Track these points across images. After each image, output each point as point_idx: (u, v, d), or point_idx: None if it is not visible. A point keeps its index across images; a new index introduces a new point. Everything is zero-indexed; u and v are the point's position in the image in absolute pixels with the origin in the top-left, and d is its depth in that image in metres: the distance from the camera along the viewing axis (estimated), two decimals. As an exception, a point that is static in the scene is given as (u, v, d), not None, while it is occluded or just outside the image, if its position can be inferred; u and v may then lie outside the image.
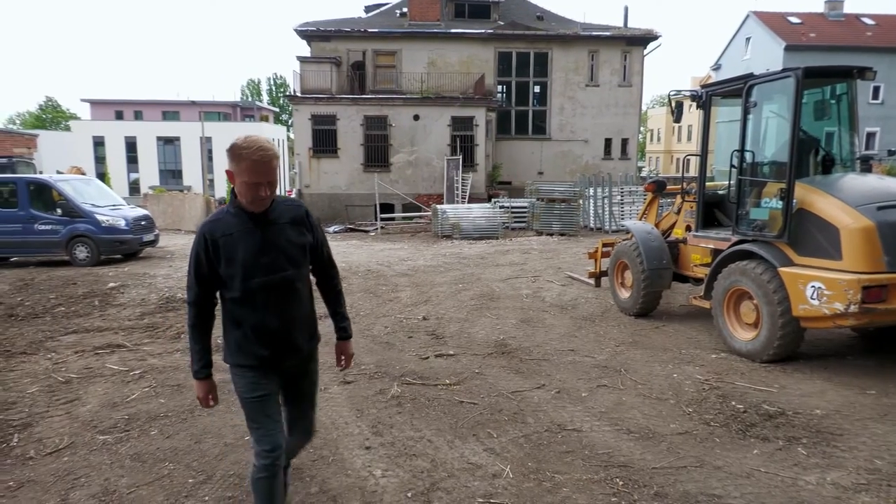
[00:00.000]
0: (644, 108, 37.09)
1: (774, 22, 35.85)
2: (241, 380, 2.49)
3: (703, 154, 6.56)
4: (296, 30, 25.58)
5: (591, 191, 19.48)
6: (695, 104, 6.56)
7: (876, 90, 34.01)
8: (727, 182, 7.26)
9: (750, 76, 5.75)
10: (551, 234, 17.47)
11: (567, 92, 26.92)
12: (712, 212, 6.94)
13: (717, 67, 41.40)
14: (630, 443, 3.78)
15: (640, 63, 27.31)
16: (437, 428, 4.04)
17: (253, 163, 2.27)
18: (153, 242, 14.50)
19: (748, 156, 5.82)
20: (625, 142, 27.66)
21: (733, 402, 4.44)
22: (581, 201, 19.35)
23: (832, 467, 3.42)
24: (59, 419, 4.32)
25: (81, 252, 13.04)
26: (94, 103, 54.07)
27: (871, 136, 33.96)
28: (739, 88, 5.91)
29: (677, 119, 6.51)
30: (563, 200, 18.33)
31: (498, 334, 6.69)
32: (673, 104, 6.49)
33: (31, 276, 11.45)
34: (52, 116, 67.32)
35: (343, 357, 2.85)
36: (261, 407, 2.47)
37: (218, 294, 2.50)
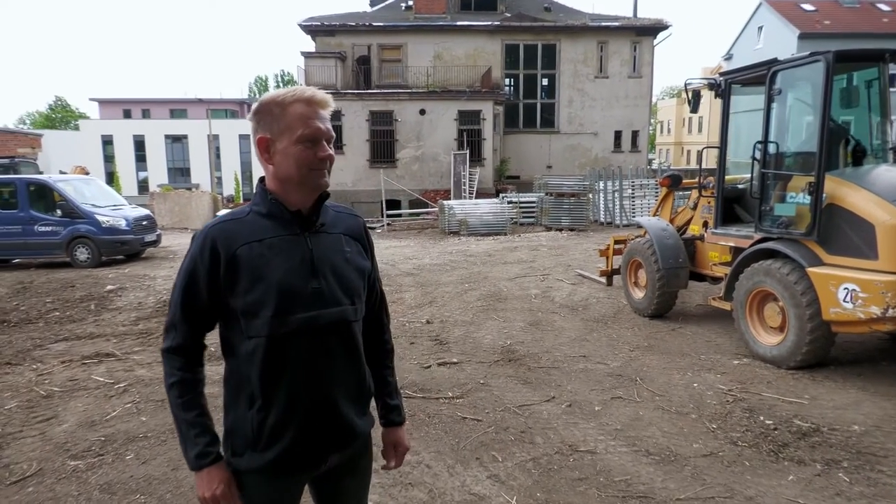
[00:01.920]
0: (654, 99, 36.47)
1: (787, 10, 35.03)
2: (257, 495, 1.59)
3: (723, 146, 6.15)
4: (300, 25, 25.24)
5: (601, 185, 19.04)
6: (713, 93, 6.14)
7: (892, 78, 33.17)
8: (746, 175, 6.91)
9: (774, 61, 5.34)
10: (560, 230, 17.06)
11: (576, 84, 26.39)
12: (732, 207, 6.54)
13: (728, 57, 40.61)
14: (650, 467, 3.42)
15: (651, 54, 26.73)
16: (436, 450, 3.70)
17: (307, 105, 1.52)
18: (155, 243, 14.28)
19: (772, 147, 5.42)
20: (635, 134, 27.11)
21: (761, 417, 4.06)
22: (591, 196, 18.92)
23: (880, 497, 3.04)
24: (32, 441, 4.02)
25: (82, 253, 12.83)
26: (103, 102, 54.17)
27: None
28: (762, 75, 5.50)
29: (694, 109, 6.12)
30: (573, 195, 17.90)
31: (505, 339, 6.33)
32: (690, 93, 6.09)
33: (30, 279, 11.24)
34: (61, 116, 67.58)
35: (396, 450, 1.88)
36: None
37: (214, 341, 1.62)
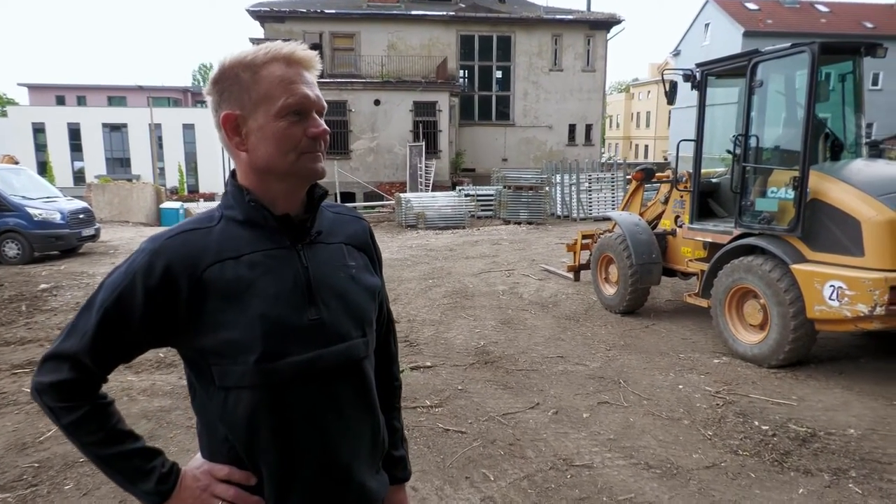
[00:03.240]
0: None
1: (733, 8, 36.01)
2: None
3: (699, 139, 6.01)
4: (248, 10, 24.26)
5: (559, 178, 19.01)
6: (689, 84, 5.99)
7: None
8: (719, 170, 6.83)
9: (755, 52, 5.21)
10: (519, 223, 16.93)
11: (531, 77, 26.33)
12: (705, 202, 6.43)
13: (676, 53, 41.50)
14: (653, 482, 3.19)
15: (604, 48, 26.92)
16: (421, 469, 3.37)
17: (286, 64, 1.13)
18: (94, 237, 13.37)
19: (752, 141, 5.29)
20: (589, 128, 27.28)
21: (756, 422, 3.91)
22: (548, 189, 18.87)
23: (895, 509, 2.91)
24: (-49, 470, 3.49)
25: (11, 249, 11.86)
26: (33, 88, 51.16)
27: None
28: (742, 67, 5.37)
29: (671, 101, 5.95)
30: (531, 188, 17.79)
31: (477, 339, 6.05)
32: (667, 84, 5.91)
33: (-49, 278, 10.28)
34: (-13, 102, 63.48)
35: None
36: None
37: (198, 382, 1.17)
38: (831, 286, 4.48)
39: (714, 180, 6.46)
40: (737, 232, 5.45)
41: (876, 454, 3.45)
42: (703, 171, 6.44)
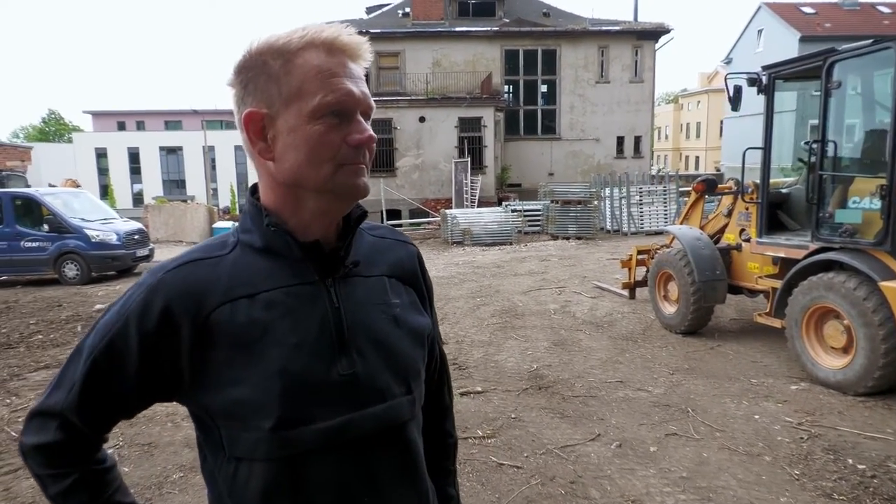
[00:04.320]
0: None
1: (787, 13, 34.78)
2: None
3: (767, 147, 5.60)
4: (295, 32, 24.75)
5: (608, 191, 18.51)
6: (755, 88, 5.59)
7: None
8: (787, 179, 6.37)
9: (831, 51, 4.80)
10: (567, 238, 16.50)
11: (577, 89, 25.94)
12: (774, 214, 5.98)
13: (728, 61, 40.34)
14: (737, 531, 2.84)
15: (652, 58, 26.32)
16: (475, 510, 3.11)
17: (327, 53, 0.90)
18: (148, 257, 13.70)
19: (830, 147, 4.87)
20: (637, 139, 26.65)
21: (849, 460, 3.49)
22: (597, 202, 18.39)
23: None
24: (-7, 500, 3.42)
25: (71, 270, 12.23)
26: (97, 115, 53.65)
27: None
28: (815, 68, 4.96)
29: (735, 106, 5.56)
30: (580, 202, 17.36)
31: (530, 362, 5.75)
32: (731, 89, 5.54)
33: (14, 298, 10.61)
34: (55, 129, 66.91)
35: None
36: None
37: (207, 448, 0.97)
38: (929, 306, 4.02)
39: (784, 191, 6.01)
40: (813, 246, 5.01)
41: None
42: (773, 180, 6.02)
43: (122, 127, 51.37)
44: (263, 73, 0.90)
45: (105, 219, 13.41)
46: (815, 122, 5.08)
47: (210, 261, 0.93)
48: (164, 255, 16.26)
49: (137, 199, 41.95)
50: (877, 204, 4.43)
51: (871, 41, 4.53)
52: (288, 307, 0.91)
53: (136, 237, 13.29)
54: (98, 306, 9.49)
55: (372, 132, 0.94)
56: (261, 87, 0.91)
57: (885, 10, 35.62)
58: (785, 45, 32.53)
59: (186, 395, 0.92)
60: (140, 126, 51.73)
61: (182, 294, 0.88)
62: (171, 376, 0.89)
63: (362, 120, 0.93)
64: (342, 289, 0.95)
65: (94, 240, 12.30)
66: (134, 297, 0.90)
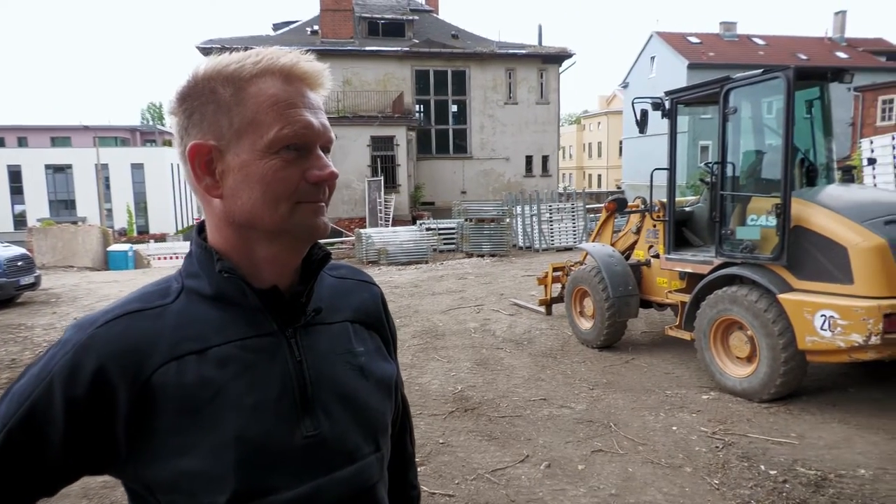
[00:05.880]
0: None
1: (676, 42, 37.42)
2: None
3: (672, 168, 5.91)
4: (198, 47, 23.83)
5: (519, 209, 18.98)
6: (659, 113, 5.90)
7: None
8: (691, 198, 6.75)
9: (727, 79, 5.14)
10: (482, 256, 16.74)
11: (486, 110, 26.58)
12: (679, 231, 6.30)
13: (625, 85, 42.75)
14: (668, 547, 2.88)
15: (556, 81, 27.47)
16: (409, 545, 2.98)
17: (284, 80, 0.82)
18: (33, 285, 12.49)
19: (729, 168, 5.19)
20: (545, 159, 27.63)
21: (762, 466, 3.66)
22: (509, 220, 18.80)
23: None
24: None
25: (-60, 301, 10.97)
26: (-30, 130, 49.00)
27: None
28: (714, 94, 5.30)
29: (642, 129, 5.83)
30: (493, 220, 17.68)
31: (454, 383, 5.69)
32: (638, 113, 5.80)
33: None
34: (-81, 145, 60.50)
35: None
36: None
37: None
38: (822, 316, 4.33)
39: (688, 209, 6.35)
40: (718, 262, 5.31)
41: (895, 496, 3.23)
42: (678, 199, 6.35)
43: (0, 143, 47.24)
44: (212, 101, 0.81)
45: (-18, 244, 12.17)
46: (705, 143, 5.43)
47: (150, 312, 0.80)
48: (53, 283, 14.96)
49: (19, 221, 38.63)
50: (772, 221, 4.75)
51: (762, 71, 4.89)
52: (244, 363, 0.80)
53: (19, 264, 12.10)
54: (-26, 342, 8.54)
55: (333, 168, 0.85)
56: (208, 117, 0.81)
57: (760, 41, 39.14)
58: (675, 71, 34.94)
59: (122, 468, 0.79)
60: (22, 142, 47.75)
61: (118, 353, 0.76)
62: (103, 447, 0.77)
63: (322, 154, 0.85)
64: (304, 340, 0.86)
65: (-32, 267, 11.12)
66: (57, 357, 0.76)
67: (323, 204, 0.85)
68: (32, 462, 0.76)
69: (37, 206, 39.70)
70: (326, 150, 0.86)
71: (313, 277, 0.88)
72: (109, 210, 39.01)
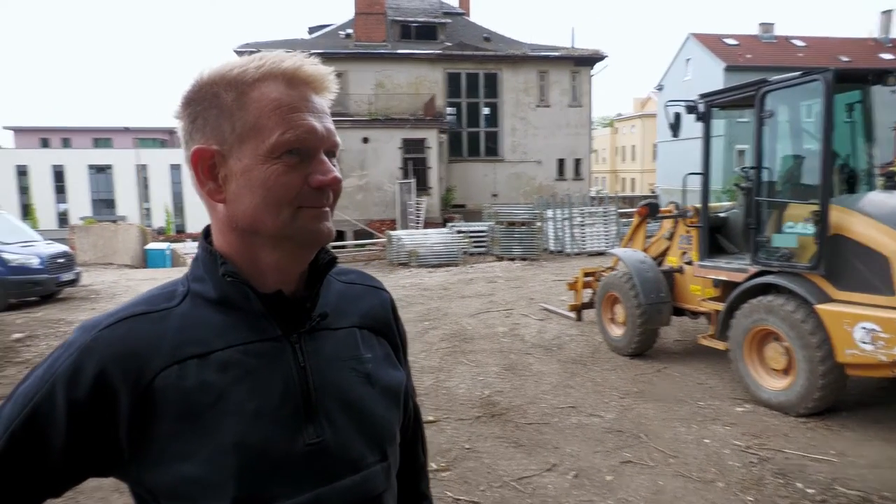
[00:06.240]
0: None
1: (713, 43, 36.73)
2: None
3: (706, 173, 5.79)
4: (235, 51, 24.27)
5: (551, 213, 18.84)
6: (693, 116, 5.78)
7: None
8: (726, 204, 6.60)
9: (763, 82, 5.01)
10: (513, 259, 16.65)
11: (518, 113, 26.47)
12: (713, 238, 6.16)
13: (660, 88, 42.14)
14: (698, 564, 2.82)
15: (589, 83, 27.21)
16: (432, 553, 2.97)
17: (288, 84, 0.82)
18: (74, 282, 12.89)
19: (765, 174, 5.06)
20: (577, 162, 27.38)
21: (799, 484, 3.55)
22: (540, 224, 18.68)
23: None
24: None
25: (-15, 297, 11.37)
26: (18, 131, 50.91)
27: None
28: (750, 97, 5.17)
29: (675, 132, 5.73)
30: (524, 223, 17.58)
31: (481, 388, 5.67)
32: (671, 116, 5.70)
33: (-79, 330, 9.76)
34: (-30, 146, 63.05)
35: None
36: None
37: None
38: (863, 328, 4.18)
39: (722, 214, 6.21)
40: (753, 270, 5.17)
41: (940, 520, 3.10)
42: (712, 205, 6.21)
43: (45, 144, 48.92)
44: (214, 106, 0.81)
45: (26, 241, 12.58)
46: (742, 147, 5.30)
47: (155, 315, 0.81)
48: (93, 279, 15.40)
49: (62, 219, 39.91)
50: (810, 229, 4.61)
51: (800, 73, 4.76)
52: (246, 368, 0.80)
53: (60, 260, 12.49)
54: (16, 335, 8.83)
55: (337, 173, 0.84)
56: (211, 121, 0.81)
57: (799, 43, 38.16)
58: (711, 73, 34.31)
59: (125, 471, 0.79)
60: (66, 143, 49.37)
61: (121, 356, 0.77)
62: (106, 450, 0.77)
63: (326, 159, 0.84)
64: (308, 345, 0.85)
65: (12, 263, 11.50)
66: (62, 359, 0.77)
67: (327, 209, 0.84)
68: (36, 463, 0.77)
69: (79, 204, 40.97)
70: (332, 154, 0.85)
71: (319, 282, 0.88)
72: (148, 209, 40.11)
